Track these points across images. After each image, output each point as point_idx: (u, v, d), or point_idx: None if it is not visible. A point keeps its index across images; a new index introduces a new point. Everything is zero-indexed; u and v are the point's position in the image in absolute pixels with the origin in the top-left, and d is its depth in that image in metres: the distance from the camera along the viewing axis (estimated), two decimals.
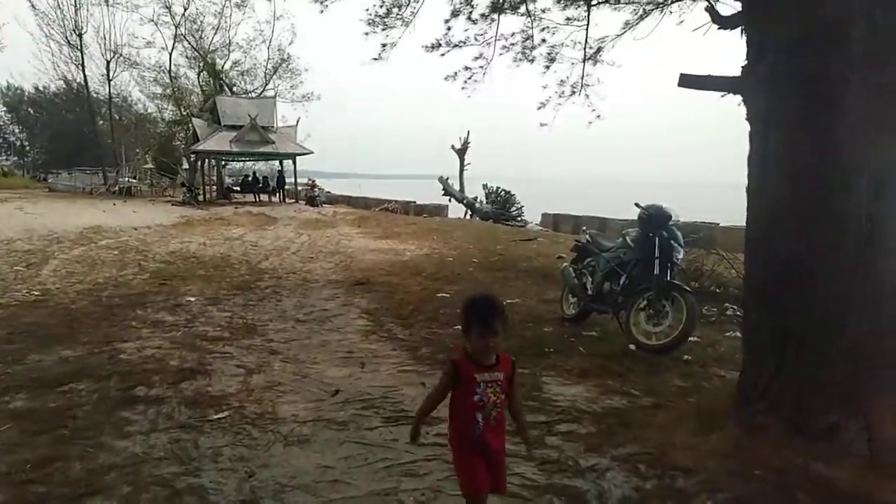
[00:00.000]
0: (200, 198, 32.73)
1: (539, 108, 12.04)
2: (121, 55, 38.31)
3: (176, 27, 37.76)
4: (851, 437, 3.29)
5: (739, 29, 3.83)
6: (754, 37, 3.59)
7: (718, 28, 4.34)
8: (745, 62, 3.70)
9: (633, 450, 3.65)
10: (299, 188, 36.17)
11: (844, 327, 3.34)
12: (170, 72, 39.48)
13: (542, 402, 4.45)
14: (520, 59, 11.50)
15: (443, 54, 10.89)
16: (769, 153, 3.46)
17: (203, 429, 4.02)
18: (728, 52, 3.85)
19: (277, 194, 35.43)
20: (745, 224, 3.84)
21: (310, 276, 10.55)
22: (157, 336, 6.28)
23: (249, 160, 41.17)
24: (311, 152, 34.39)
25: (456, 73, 11.52)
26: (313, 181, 35.20)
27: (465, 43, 10.78)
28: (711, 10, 4.50)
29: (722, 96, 3.93)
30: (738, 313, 6.85)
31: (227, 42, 39.39)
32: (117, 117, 44.81)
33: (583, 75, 11.62)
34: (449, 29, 10.61)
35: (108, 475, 3.38)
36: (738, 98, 3.84)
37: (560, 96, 11.81)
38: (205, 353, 5.69)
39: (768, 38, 3.45)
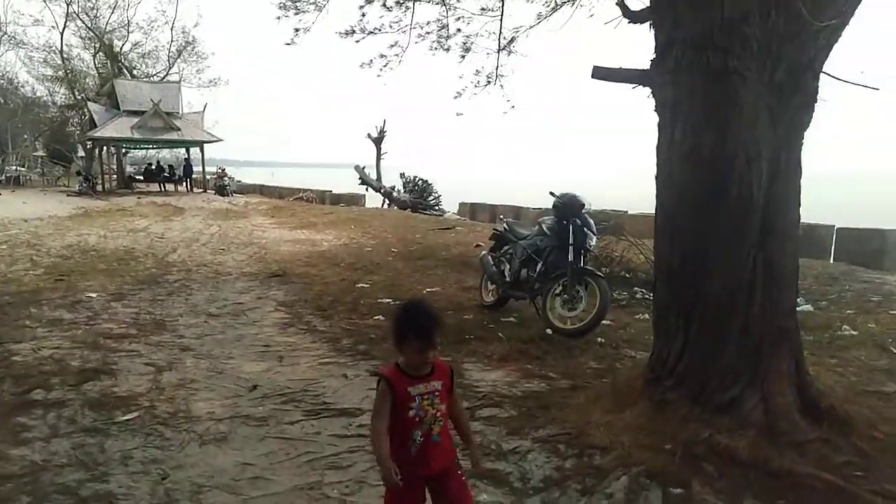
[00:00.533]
0: (99, 187, 30.78)
1: (455, 97, 12.08)
2: (5, 33, 35.33)
3: (68, 4, 35.21)
4: (750, 409, 3.52)
5: (648, 23, 3.98)
6: (661, 32, 3.75)
7: (629, 22, 4.51)
8: (654, 56, 3.86)
9: (552, 431, 3.77)
10: (208, 177, 34.68)
11: (741, 306, 3.57)
12: (61, 52, 36.78)
13: (465, 388, 4.50)
14: (435, 48, 11.47)
15: (357, 41, 10.67)
16: (675, 143, 3.63)
17: (110, 432, 3.80)
18: (642, 46, 4.00)
19: (184, 184, 33.82)
20: (652, 212, 4.03)
21: (221, 268, 10.17)
22: (54, 335, 5.87)
23: (153, 148, 39.09)
24: (220, 140, 33.05)
25: (371, 60, 11.34)
26: (223, 169, 33.85)
27: (379, 30, 10.62)
28: (622, 5, 4.66)
29: (633, 88, 4.08)
30: (648, 296, 7.19)
31: (126, 22, 37.13)
32: (1, 100, 41.30)
33: (497, 65, 11.75)
34: (364, 15, 10.42)
35: (4, 486, 3.14)
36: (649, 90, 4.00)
37: (476, 86, 11.89)
38: (109, 351, 5.38)
39: (674, 34, 3.61)
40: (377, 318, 6.60)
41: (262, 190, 35.75)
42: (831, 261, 10.95)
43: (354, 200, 28.12)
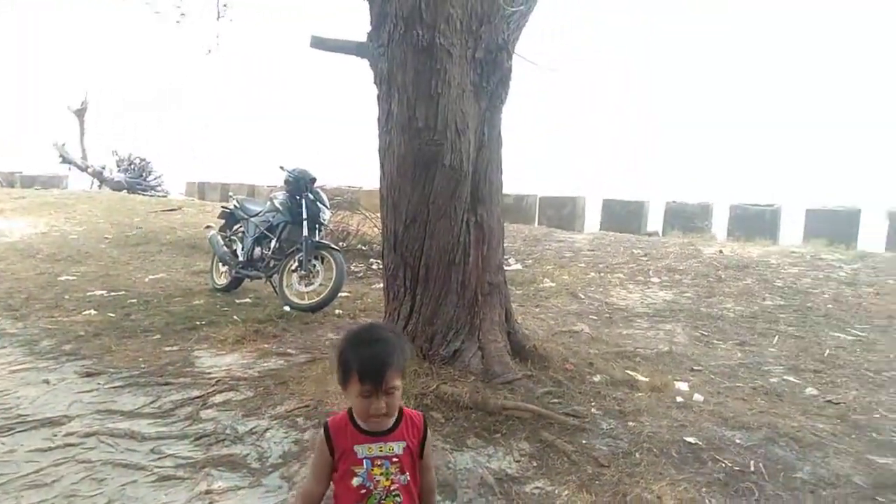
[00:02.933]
0: None
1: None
2: None
3: None
4: (470, 357, 3.91)
5: None
6: (374, 4, 3.86)
7: None
8: (370, 29, 3.96)
9: (290, 406, 3.72)
10: None
11: (458, 266, 3.92)
12: None
13: (195, 376, 4.21)
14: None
15: None
16: (393, 115, 3.80)
17: None
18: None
19: None
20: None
21: None
22: None
23: None
24: None
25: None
26: None
27: None
28: None
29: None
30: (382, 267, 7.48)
31: None
32: None
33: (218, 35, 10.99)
34: None
35: None
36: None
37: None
38: None
39: (386, 8, 3.74)
40: (87, 312, 5.80)
41: None
42: (536, 224, 12.59)
43: (54, 182, 24.16)
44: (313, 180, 6.44)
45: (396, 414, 1.77)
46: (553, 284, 7.17)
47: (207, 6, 10.04)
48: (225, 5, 6.87)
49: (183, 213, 14.18)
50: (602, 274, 7.69)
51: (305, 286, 6.09)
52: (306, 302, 5.98)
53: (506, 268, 7.73)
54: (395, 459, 1.74)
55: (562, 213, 12.75)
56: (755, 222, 10.74)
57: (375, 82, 3.98)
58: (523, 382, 3.81)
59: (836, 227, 9.99)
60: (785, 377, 4.48)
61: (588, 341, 5.08)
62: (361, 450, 1.73)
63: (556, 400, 3.72)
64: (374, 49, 3.86)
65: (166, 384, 4.06)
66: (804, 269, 7.58)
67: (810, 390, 4.21)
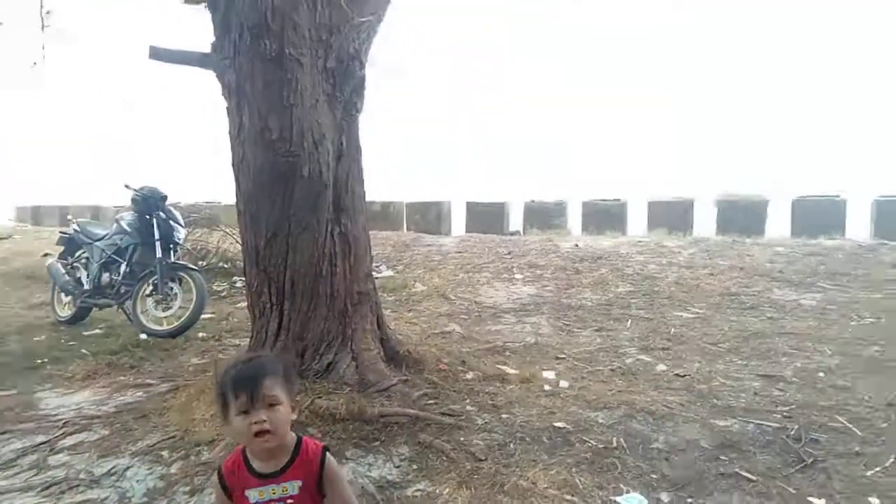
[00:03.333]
0: None
1: None
2: None
3: None
4: (344, 369, 3.87)
5: (204, 5, 3.89)
6: (217, 15, 3.71)
7: (184, 2, 4.33)
8: (214, 39, 3.80)
9: (153, 440, 3.48)
10: None
11: (325, 277, 3.87)
12: None
13: (39, 420, 3.82)
14: None
15: None
16: (245, 127, 3.66)
17: None
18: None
19: None
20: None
21: None
22: None
23: None
24: None
25: None
26: None
27: None
28: None
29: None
30: None
31: None
32: None
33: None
34: None
35: None
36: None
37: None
38: None
39: (230, 18, 3.61)
40: None
41: None
42: (404, 230, 12.69)
43: None
44: (164, 198, 6.07)
45: (285, 436, 1.65)
46: (424, 288, 7.28)
47: (30, 14, 9.15)
48: (48, 12, 6.27)
49: (13, 241, 12.77)
50: (470, 274, 7.92)
51: (163, 311, 5.72)
52: (165, 327, 5.61)
53: (376, 275, 7.77)
54: (289, 501, 1.62)
55: (428, 217, 12.97)
56: (605, 216, 11.55)
57: (224, 94, 3.83)
58: (399, 388, 3.84)
59: (674, 216, 11.01)
60: (638, 357, 4.86)
61: (460, 340, 5.22)
62: (253, 494, 1.61)
63: (432, 401, 3.78)
64: (220, 60, 3.71)
65: (4, 433, 3.64)
66: (650, 257, 8.28)
67: (661, 367, 4.60)
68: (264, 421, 1.57)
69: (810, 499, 2.84)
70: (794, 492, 2.89)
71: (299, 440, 1.70)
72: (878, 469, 3.05)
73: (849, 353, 4.72)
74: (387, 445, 3.31)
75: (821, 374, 4.30)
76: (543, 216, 12.02)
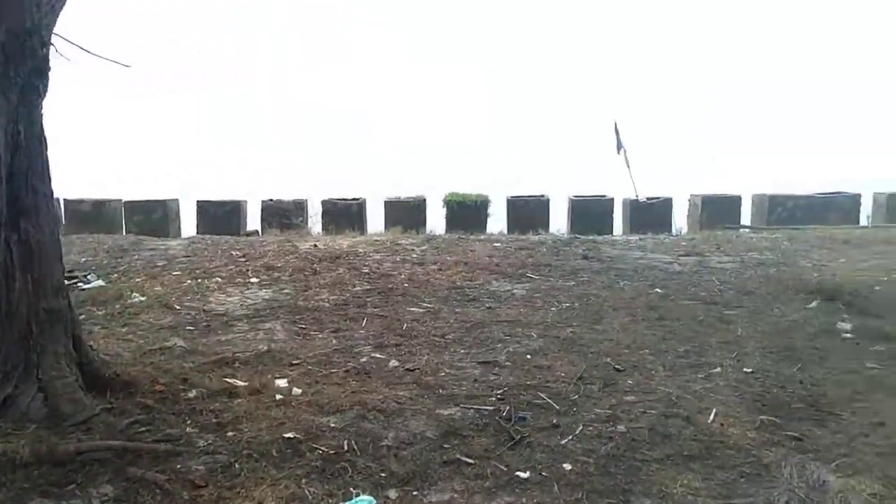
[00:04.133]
0: None
1: None
2: None
3: None
4: (28, 402, 3.26)
5: None
6: None
7: None
8: None
9: None
10: None
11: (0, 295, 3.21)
12: None
13: None
14: None
15: None
16: None
17: None
18: None
19: None
20: None
21: None
22: None
23: None
24: None
25: None
26: None
27: None
28: None
29: None
30: None
31: None
32: None
33: None
34: None
35: None
36: None
37: None
38: None
39: None
40: None
41: None
42: (123, 233, 11.30)
43: None
44: None
45: None
46: (143, 298, 6.52)
47: None
48: None
49: None
50: (199, 280, 7.32)
51: None
52: None
53: (83, 286, 6.79)
54: None
55: (153, 218, 11.77)
56: (345, 216, 11.67)
57: None
58: (103, 418, 3.36)
59: (409, 215, 11.57)
60: (373, 355, 4.95)
61: (183, 355, 4.76)
62: None
63: (144, 428, 3.37)
64: None
65: None
66: (385, 255, 8.54)
67: (393, 363, 4.74)
68: None
69: (518, 473, 3.14)
70: (504, 469, 3.18)
71: None
72: (570, 437, 3.50)
73: (550, 335, 5.39)
74: (85, 487, 2.86)
75: (528, 357, 4.84)
76: (281, 216, 11.71)
